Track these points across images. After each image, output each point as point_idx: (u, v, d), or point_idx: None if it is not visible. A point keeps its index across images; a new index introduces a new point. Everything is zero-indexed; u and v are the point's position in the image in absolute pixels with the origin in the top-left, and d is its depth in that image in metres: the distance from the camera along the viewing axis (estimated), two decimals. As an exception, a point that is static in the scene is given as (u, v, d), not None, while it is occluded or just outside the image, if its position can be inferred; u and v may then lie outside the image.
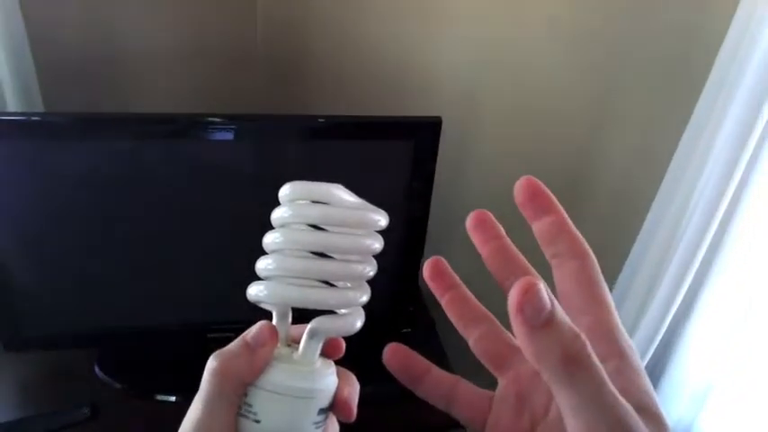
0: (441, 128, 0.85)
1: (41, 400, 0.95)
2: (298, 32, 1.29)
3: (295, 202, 0.28)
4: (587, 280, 0.25)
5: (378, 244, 0.29)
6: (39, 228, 0.84)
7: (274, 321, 0.29)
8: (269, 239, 0.28)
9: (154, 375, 0.97)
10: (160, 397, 0.93)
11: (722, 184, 0.83)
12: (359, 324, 0.29)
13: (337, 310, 0.29)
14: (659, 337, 0.99)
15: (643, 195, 0.97)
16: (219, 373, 0.27)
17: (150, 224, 0.87)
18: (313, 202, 0.29)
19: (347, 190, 0.30)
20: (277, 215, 0.29)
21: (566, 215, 0.26)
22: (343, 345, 0.31)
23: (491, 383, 0.30)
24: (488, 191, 1.19)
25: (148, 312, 0.95)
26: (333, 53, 1.27)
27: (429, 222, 0.91)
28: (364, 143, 0.87)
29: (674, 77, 0.93)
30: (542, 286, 0.20)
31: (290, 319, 0.29)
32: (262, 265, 0.28)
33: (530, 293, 0.20)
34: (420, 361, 0.30)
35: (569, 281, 0.26)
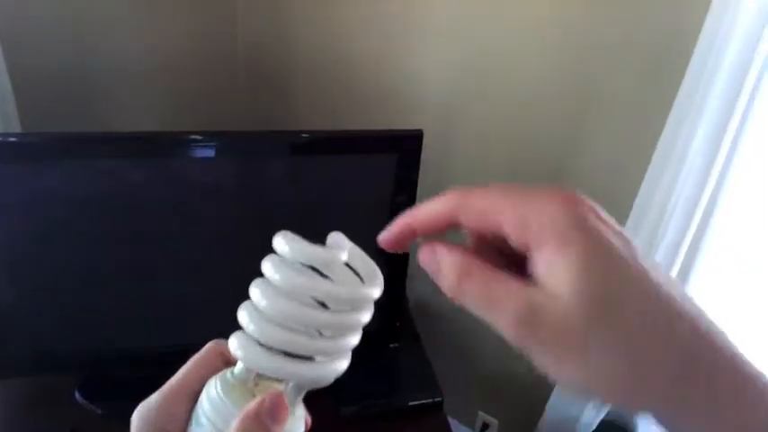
0: (422, 140, 0.85)
1: (21, 427, 0.92)
2: (279, 48, 1.29)
3: (286, 265, 0.27)
4: None
5: (367, 317, 0.28)
6: (16, 250, 0.82)
7: (239, 366, 0.29)
8: (254, 294, 0.27)
9: (136, 399, 0.95)
10: (143, 420, 0.91)
11: (701, 181, 0.84)
12: (343, 366, 0.29)
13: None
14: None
15: (624, 203, 0.98)
16: None
17: (131, 244, 0.86)
18: (305, 264, 0.28)
19: (344, 239, 0.29)
20: (268, 271, 0.27)
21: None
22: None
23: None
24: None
25: (130, 335, 0.93)
26: (313, 68, 1.27)
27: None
28: (347, 157, 0.87)
29: (655, 83, 0.95)
30: None
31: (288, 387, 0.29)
32: (243, 319, 0.28)
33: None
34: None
35: None
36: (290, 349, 0.27)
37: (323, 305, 0.28)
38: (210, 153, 0.84)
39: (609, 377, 0.21)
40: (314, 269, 0.28)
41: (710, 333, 0.22)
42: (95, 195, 0.81)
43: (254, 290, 0.27)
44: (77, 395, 0.95)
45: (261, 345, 0.27)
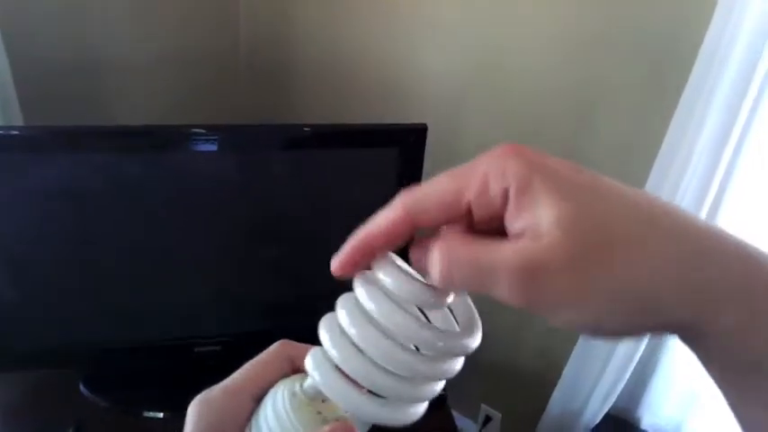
0: (426, 134, 0.85)
1: (26, 421, 0.93)
2: (281, 41, 1.29)
3: (388, 297, 0.25)
4: None
5: (457, 368, 0.27)
6: (20, 244, 0.82)
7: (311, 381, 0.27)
8: (343, 316, 0.25)
9: (140, 392, 0.96)
10: (147, 414, 0.92)
11: (705, 181, 0.84)
12: (413, 420, 0.27)
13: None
14: (646, 339, 0.99)
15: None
16: None
17: (134, 238, 0.86)
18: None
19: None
20: (363, 298, 0.25)
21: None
22: None
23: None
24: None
25: (134, 328, 0.93)
26: (317, 62, 1.27)
27: (416, 229, 0.91)
28: (350, 151, 0.87)
29: (661, 80, 0.94)
30: None
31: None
32: (327, 341, 0.25)
33: None
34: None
35: None
36: (370, 387, 0.25)
37: (415, 347, 0.25)
38: (212, 147, 0.83)
39: (625, 305, 0.20)
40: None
41: (708, 224, 0.21)
42: (98, 189, 0.81)
43: (343, 312, 0.25)
44: (82, 388, 0.95)
45: (340, 371, 0.25)
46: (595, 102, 1.01)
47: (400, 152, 0.86)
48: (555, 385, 1.16)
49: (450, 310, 0.28)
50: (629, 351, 1.01)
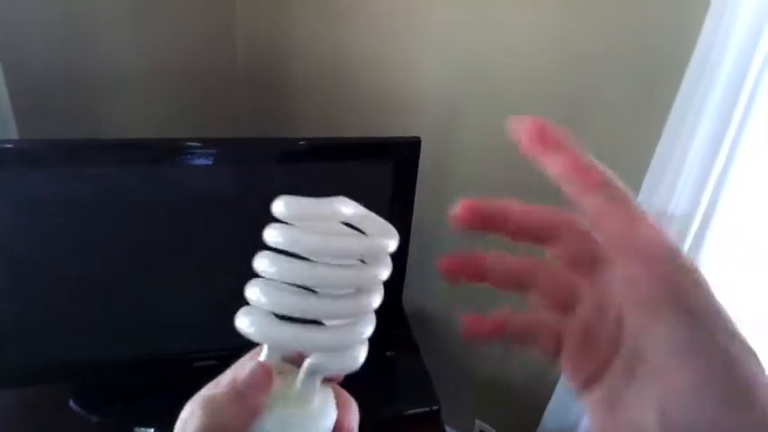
0: (420, 147, 0.85)
1: (15, 437, 0.92)
2: (277, 55, 1.30)
3: (290, 226, 0.25)
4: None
5: (385, 271, 0.26)
6: (13, 257, 0.81)
7: (264, 350, 0.27)
8: (261, 264, 0.25)
9: (132, 407, 0.95)
10: (139, 430, 0.91)
11: (699, 186, 0.84)
12: (361, 360, 0.27)
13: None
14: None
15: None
16: (204, 416, 0.24)
17: (130, 251, 0.86)
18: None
19: (350, 202, 0.27)
20: (270, 237, 0.25)
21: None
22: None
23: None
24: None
25: (125, 344, 0.92)
26: (312, 76, 1.28)
27: (410, 242, 0.91)
28: (344, 164, 0.87)
29: (653, 88, 0.95)
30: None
31: (302, 371, 0.27)
32: (252, 294, 0.26)
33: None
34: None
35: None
36: (298, 312, 0.25)
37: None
38: (208, 160, 0.84)
39: None
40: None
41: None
42: (93, 203, 0.80)
43: (258, 260, 0.25)
44: (72, 404, 0.94)
45: (273, 316, 0.25)
46: (588, 110, 1.02)
47: (394, 165, 0.86)
48: (549, 399, 1.16)
49: (358, 229, 0.28)
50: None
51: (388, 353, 1.03)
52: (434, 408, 0.98)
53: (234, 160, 0.85)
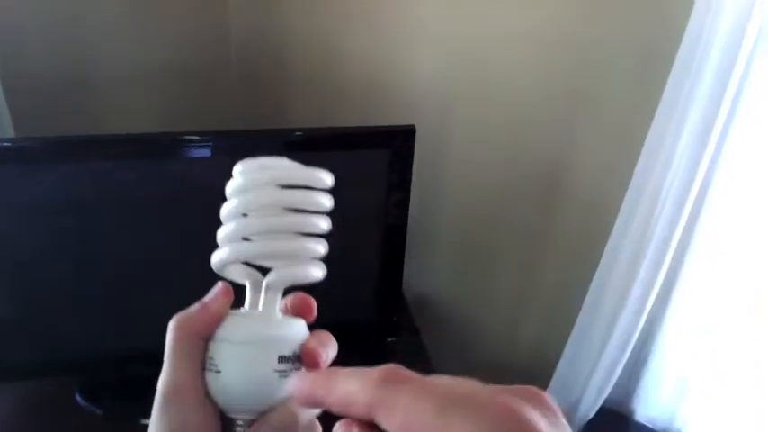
0: (415, 135, 0.86)
1: (22, 431, 0.92)
2: (272, 51, 1.29)
3: (244, 173, 0.31)
4: None
5: (328, 202, 0.30)
6: (15, 255, 0.82)
7: (248, 291, 0.31)
8: (223, 211, 0.30)
9: (136, 400, 0.96)
10: (145, 421, 0.92)
11: (688, 180, 0.86)
12: (315, 272, 0.30)
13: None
14: (637, 332, 1.00)
15: (616, 195, 0.99)
16: (176, 328, 0.29)
17: (129, 246, 0.86)
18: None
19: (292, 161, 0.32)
20: (228, 189, 0.31)
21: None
22: (314, 304, 0.32)
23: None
24: (465, 195, 1.21)
25: (130, 336, 0.93)
26: (308, 65, 1.28)
27: (408, 229, 0.92)
28: (341, 154, 0.87)
29: (642, 82, 0.96)
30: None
31: (262, 290, 0.30)
32: (219, 233, 0.30)
33: None
34: None
35: None
36: (260, 227, 0.30)
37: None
38: (207, 153, 0.84)
39: None
40: None
41: None
42: (92, 198, 0.81)
43: (222, 210, 0.30)
44: (78, 397, 0.95)
45: (232, 242, 0.30)
46: (582, 97, 1.03)
47: (390, 153, 0.87)
48: (550, 380, 1.18)
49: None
50: (621, 343, 1.02)
51: (390, 339, 1.04)
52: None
53: (232, 152, 0.86)
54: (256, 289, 0.31)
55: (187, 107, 1.22)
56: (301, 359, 0.29)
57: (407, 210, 0.91)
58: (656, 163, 0.87)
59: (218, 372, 0.28)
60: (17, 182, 0.77)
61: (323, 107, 1.29)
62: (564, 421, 0.22)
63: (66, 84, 1.03)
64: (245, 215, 0.30)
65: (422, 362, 1.07)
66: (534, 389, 0.23)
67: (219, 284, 0.31)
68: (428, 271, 1.26)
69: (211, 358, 0.28)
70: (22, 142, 0.84)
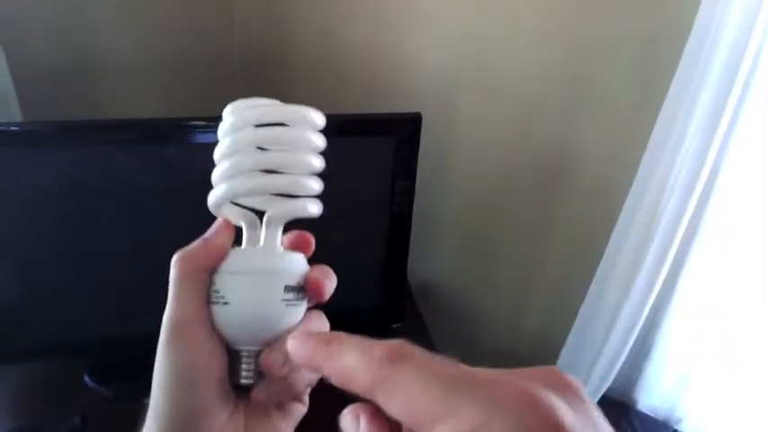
0: (421, 123, 0.86)
1: (32, 412, 0.94)
2: (275, 42, 1.29)
3: (235, 112, 0.31)
4: None
5: (320, 140, 0.30)
6: (22, 238, 0.83)
7: (245, 231, 0.31)
8: (216, 152, 0.31)
9: (145, 381, 0.97)
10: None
11: (695, 170, 0.85)
12: (312, 207, 0.30)
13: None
14: (641, 322, 1.01)
15: (620, 185, 0.98)
16: (180, 262, 0.29)
17: (135, 230, 0.87)
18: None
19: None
20: (220, 130, 0.31)
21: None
22: (312, 239, 0.32)
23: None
24: (471, 183, 1.21)
25: (137, 318, 0.94)
26: (312, 53, 1.27)
27: (413, 216, 0.92)
28: (346, 141, 0.87)
29: (650, 72, 0.95)
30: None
31: (262, 226, 0.31)
32: (214, 173, 0.31)
33: None
34: None
35: None
36: (237, 168, 0.30)
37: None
38: (212, 138, 0.84)
39: None
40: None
41: None
42: (98, 183, 0.82)
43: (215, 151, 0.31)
44: (87, 379, 0.97)
45: (227, 180, 0.30)
46: (587, 87, 1.02)
47: (396, 141, 0.87)
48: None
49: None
50: (624, 333, 1.02)
51: (394, 325, 1.05)
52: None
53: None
54: (253, 227, 0.31)
55: (190, 95, 1.22)
56: (305, 290, 0.29)
57: (413, 198, 0.91)
58: (664, 154, 0.87)
59: (226, 303, 0.28)
60: (27, 165, 0.78)
61: (326, 95, 1.29)
62: (591, 407, 0.19)
63: (70, 74, 1.03)
64: (237, 154, 0.30)
65: (425, 348, 1.07)
66: (555, 370, 0.20)
67: (220, 220, 0.31)
68: (432, 258, 1.27)
69: (217, 291, 0.28)
70: (30, 126, 0.85)
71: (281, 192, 0.30)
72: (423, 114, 0.85)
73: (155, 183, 0.84)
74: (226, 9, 1.25)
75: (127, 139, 0.81)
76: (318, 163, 0.30)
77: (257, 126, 0.29)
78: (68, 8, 1.00)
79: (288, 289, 0.28)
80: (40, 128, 0.80)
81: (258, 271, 0.29)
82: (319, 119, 0.30)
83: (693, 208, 0.89)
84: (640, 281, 0.96)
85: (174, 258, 0.29)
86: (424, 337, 1.10)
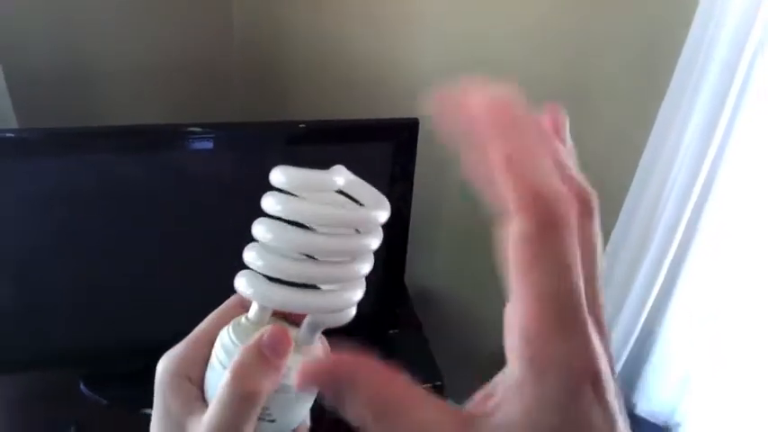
0: (418, 129, 0.86)
1: (28, 420, 0.93)
2: (274, 45, 1.29)
3: (287, 195, 0.26)
4: None
5: (375, 242, 0.27)
6: (18, 247, 0.82)
7: (254, 307, 0.29)
8: (259, 231, 0.27)
9: (140, 390, 0.96)
10: (147, 411, 0.92)
11: (693, 173, 0.85)
12: (353, 314, 0.29)
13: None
14: (639, 327, 1.00)
15: (618, 188, 0.98)
16: (247, 400, 0.25)
17: (132, 238, 0.86)
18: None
19: (345, 171, 0.28)
20: (268, 205, 0.26)
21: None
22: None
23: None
24: (467, 188, 1.20)
25: (133, 327, 0.94)
26: (310, 59, 1.27)
27: (411, 222, 0.92)
28: (344, 146, 0.87)
29: (648, 75, 0.95)
30: None
31: (303, 326, 0.29)
32: (250, 257, 0.27)
33: None
34: None
35: None
36: (297, 278, 0.26)
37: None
38: (209, 145, 0.84)
39: None
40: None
41: None
42: (95, 190, 0.81)
43: (258, 227, 0.26)
44: (82, 387, 0.96)
45: (269, 279, 0.26)
46: (585, 90, 1.02)
47: (394, 146, 0.87)
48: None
49: (352, 198, 0.29)
50: (623, 338, 1.02)
51: (391, 331, 1.04)
52: (437, 383, 1.00)
53: (235, 145, 0.86)
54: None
55: (189, 100, 1.22)
56: None
57: (410, 202, 0.91)
58: (661, 157, 0.87)
59: (273, 421, 0.27)
60: (22, 172, 0.77)
61: (325, 100, 1.29)
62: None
63: (68, 79, 1.03)
64: (299, 262, 0.27)
65: (423, 353, 1.07)
66: None
67: (279, 333, 0.26)
68: (430, 264, 1.26)
69: (266, 408, 0.27)
70: (26, 133, 0.84)
71: (332, 310, 0.28)
72: (420, 120, 0.85)
73: (152, 189, 0.84)
74: (225, 15, 1.25)
75: (123, 146, 0.81)
76: (369, 268, 0.28)
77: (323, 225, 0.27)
78: (65, 14, 1.00)
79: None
80: (35, 135, 0.80)
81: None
82: (385, 216, 0.27)
83: (691, 211, 0.88)
84: (638, 285, 0.96)
85: (239, 392, 0.25)
86: (421, 343, 1.10)
